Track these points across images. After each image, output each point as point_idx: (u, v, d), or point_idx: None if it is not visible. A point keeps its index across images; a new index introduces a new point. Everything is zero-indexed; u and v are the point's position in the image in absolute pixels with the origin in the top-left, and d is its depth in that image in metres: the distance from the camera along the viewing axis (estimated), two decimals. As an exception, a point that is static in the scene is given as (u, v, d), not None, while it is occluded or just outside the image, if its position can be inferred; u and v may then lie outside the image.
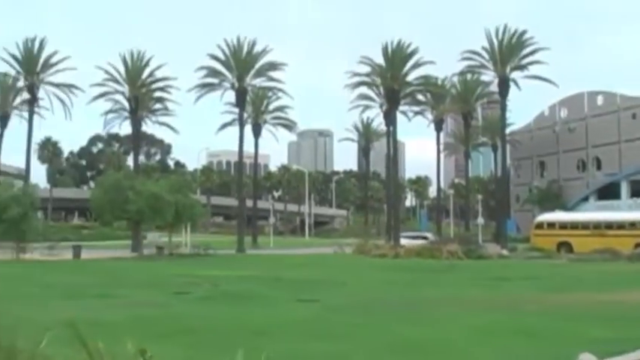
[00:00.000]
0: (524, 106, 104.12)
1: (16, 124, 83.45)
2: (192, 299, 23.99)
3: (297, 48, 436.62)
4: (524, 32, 79.39)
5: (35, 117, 77.78)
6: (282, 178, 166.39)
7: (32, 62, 77.43)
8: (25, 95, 79.78)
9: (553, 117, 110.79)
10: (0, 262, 47.64)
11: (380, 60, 77.93)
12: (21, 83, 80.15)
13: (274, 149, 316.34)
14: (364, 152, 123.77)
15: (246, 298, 24.35)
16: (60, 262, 48.96)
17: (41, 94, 78.73)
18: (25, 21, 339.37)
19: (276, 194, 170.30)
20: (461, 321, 18.52)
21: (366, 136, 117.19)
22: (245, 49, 75.51)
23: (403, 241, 69.52)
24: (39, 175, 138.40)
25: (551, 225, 65.76)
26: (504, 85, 79.34)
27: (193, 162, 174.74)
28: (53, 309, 20.20)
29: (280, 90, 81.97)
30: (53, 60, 78.28)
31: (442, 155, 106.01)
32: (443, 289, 29.33)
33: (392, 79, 77.07)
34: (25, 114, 79.52)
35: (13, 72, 79.72)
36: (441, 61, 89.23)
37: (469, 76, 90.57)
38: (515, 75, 79.83)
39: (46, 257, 53.47)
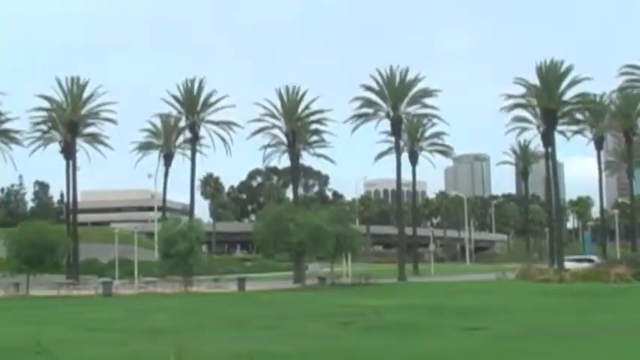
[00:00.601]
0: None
1: (179, 162, 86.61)
2: (358, 330, 24.03)
3: (450, 72, 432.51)
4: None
5: (197, 154, 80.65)
6: (441, 204, 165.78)
7: (193, 102, 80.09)
8: (187, 134, 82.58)
9: None
10: (169, 296, 49.44)
11: (535, 80, 76.42)
12: (183, 123, 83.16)
13: (431, 175, 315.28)
14: (523, 175, 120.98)
15: (411, 328, 24.23)
16: (225, 295, 50.20)
17: (202, 132, 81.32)
18: (184, 63, 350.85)
19: (434, 221, 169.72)
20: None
21: (523, 158, 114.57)
22: (398, 78, 75.36)
23: (568, 265, 67.81)
24: (202, 209, 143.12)
25: None
26: (668, 98, 76.46)
27: (351, 192, 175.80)
28: (224, 341, 20.74)
29: (435, 116, 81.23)
30: (212, 99, 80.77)
31: (604, 174, 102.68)
32: (615, 314, 28.30)
33: (548, 98, 75.35)
34: (188, 152, 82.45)
35: (174, 112, 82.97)
36: (597, 77, 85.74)
37: (629, 90, 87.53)
38: (680, 87, 76.91)
39: (212, 290, 55.03)
